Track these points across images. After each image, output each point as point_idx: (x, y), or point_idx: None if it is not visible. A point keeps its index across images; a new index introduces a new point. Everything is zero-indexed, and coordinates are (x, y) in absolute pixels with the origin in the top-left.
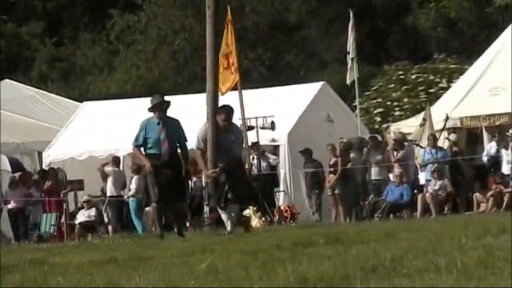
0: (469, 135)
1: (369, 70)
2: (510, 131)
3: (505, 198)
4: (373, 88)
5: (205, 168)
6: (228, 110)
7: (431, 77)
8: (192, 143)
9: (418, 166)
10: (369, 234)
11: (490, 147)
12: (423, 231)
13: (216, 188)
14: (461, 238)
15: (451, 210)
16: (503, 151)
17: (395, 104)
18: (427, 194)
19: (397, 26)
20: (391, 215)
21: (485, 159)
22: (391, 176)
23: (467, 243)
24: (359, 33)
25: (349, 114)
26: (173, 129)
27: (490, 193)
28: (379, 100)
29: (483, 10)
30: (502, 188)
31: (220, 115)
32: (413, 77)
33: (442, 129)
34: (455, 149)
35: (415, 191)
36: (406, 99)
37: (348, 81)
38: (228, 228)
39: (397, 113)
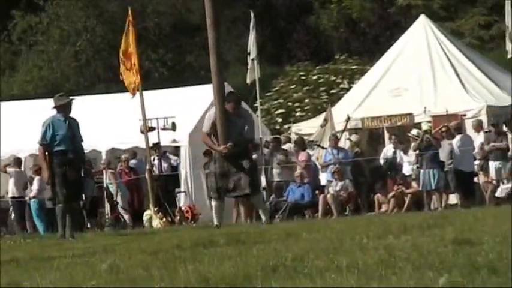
0: (370, 135)
1: (270, 71)
2: (411, 132)
3: (406, 199)
4: (275, 89)
5: (216, 145)
6: (237, 98)
7: (333, 78)
8: None
9: (320, 167)
10: (270, 234)
11: (387, 149)
12: (324, 232)
13: (219, 179)
14: (363, 238)
15: (353, 211)
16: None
17: (296, 104)
18: (328, 195)
19: (299, 26)
20: (293, 216)
21: (382, 161)
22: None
23: (369, 243)
24: (261, 33)
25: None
26: (76, 128)
27: (391, 194)
28: (281, 101)
29: (385, 10)
30: (403, 189)
31: (229, 103)
32: (315, 77)
33: (344, 130)
34: (356, 149)
35: (317, 191)
36: (307, 100)
37: (248, 81)
38: (263, 218)
39: (298, 114)
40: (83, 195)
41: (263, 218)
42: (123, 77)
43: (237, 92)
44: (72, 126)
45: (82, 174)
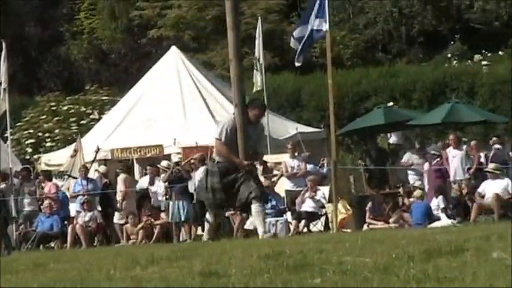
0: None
1: (20, 101)
2: (161, 163)
3: (155, 230)
4: (25, 119)
5: (238, 159)
6: (264, 106)
7: (83, 109)
8: None
9: (69, 197)
10: (18, 264)
11: (143, 180)
12: (73, 262)
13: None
14: (110, 269)
15: (101, 242)
16: (156, 183)
17: (46, 135)
18: (77, 225)
19: (50, 56)
20: (41, 246)
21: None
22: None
23: (116, 274)
24: (12, 63)
25: (0, 145)
26: None
27: (140, 225)
28: (31, 131)
29: (137, 41)
30: (152, 220)
31: (254, 109)
32: (65, 108)
33: (93, 161)
34: (105, 180)
35: (66, 222)
36: (57, 130)
37: None
38: (261, 229)
39: (48, 144)
40: None
41: (260, 229)
42: None
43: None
44: None
45: None
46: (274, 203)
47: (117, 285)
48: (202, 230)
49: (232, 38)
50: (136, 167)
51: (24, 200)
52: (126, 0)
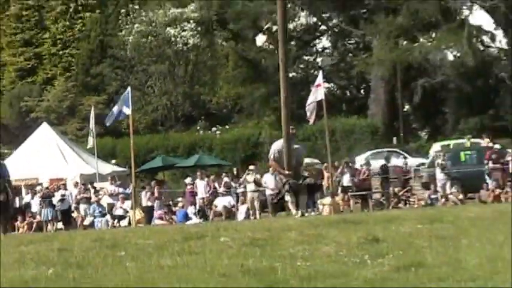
0: None
1: None
2: None
3: None
4: None
5: (283, 169)
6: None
7: None
8: None
9: None
10: None
11: None
12: None
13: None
14: None
15: None
16: None
17: None
18: None
19: None
20: None
21: None
22: None
23: None
24: None
25: None
26: None
27: None
28: None
29: None
30: None
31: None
32: None
33: None
34: None
35: None
36: None
37: None
38: (293, 211)
39: None
40: None
41: (293, 210)
42: None
43: None
44: None
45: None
46: (101, 209)
47: None
48: None
49: (282, 71)
50: None
51: None
52: None
